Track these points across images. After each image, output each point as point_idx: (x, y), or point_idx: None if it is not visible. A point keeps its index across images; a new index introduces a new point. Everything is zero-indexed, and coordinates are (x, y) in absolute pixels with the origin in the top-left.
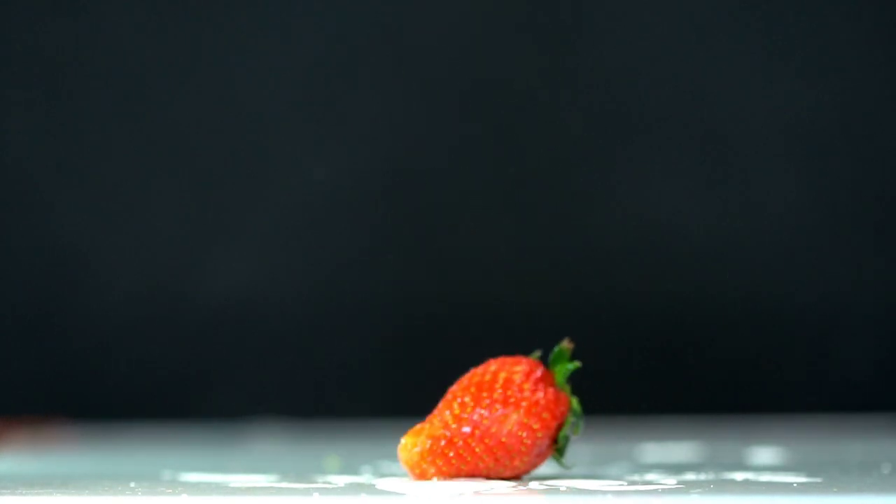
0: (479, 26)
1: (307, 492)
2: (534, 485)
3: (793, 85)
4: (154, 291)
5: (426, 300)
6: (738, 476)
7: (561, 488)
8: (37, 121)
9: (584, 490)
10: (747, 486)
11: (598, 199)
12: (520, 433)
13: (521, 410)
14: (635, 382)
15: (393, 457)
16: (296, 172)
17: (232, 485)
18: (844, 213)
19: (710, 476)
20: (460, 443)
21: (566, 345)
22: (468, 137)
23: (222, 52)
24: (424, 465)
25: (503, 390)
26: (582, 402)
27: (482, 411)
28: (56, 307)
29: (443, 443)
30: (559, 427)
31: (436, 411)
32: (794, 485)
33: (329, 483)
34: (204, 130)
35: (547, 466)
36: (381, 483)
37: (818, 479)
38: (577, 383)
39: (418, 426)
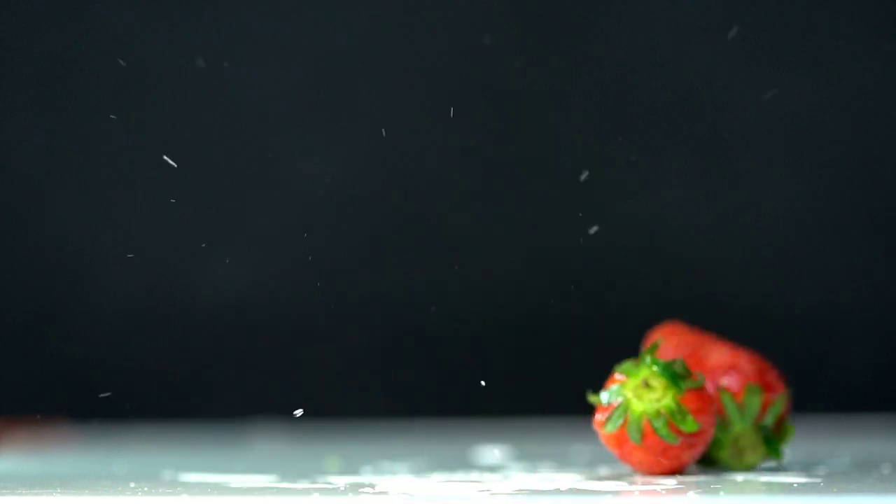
0: (480, 27)
1: (307, 492)
2: (534, 485)
3: (793, 85)
4: (154, 291)
5: (426, 300)
6: (738, 476)
7: (561, 488)
8: (37, 122)
9: (585, 490)
10: (747, 486)
11: (596, 199)
12: None
13: None
14: None
15: (392, 456)
16: (296, 174)
17: (232, 485)
18: (844, 214)
19: (710, 476)
20: None
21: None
22: (468, 138)
23: (222, 54)
24: None
25: None
26: (581, 401)
27: None
28: (56, 307)
29: None
30: None
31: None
32: (794, 485)
33: (329, 483)
34: (204, 132)
35: (542, 466)
36: (381, 483)
37: (818, 479)
38: (578, 383)
39: None
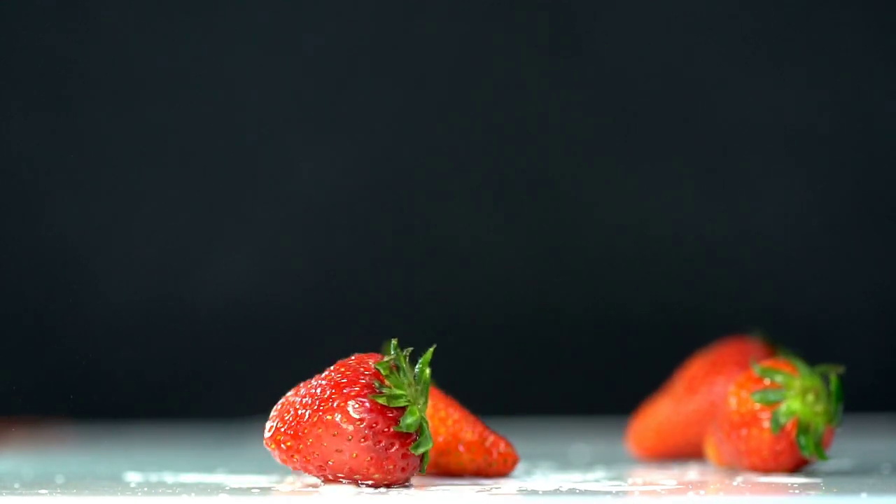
0: (479, 27)
1: (307, 492)
2: (534, 485)
3: (793, 85)
4: (154, 291)
5: (425, 301)
6: (738, 476)
7: (561, 488)
8: (36, 123)
9: (585, 490)
10: (747, 486)
11: (595, 200)
12: None
13: None
14: (636, 384)
15: None
16: (296, 174)
17: (232, 485)
18: (844, 214)
19: (711, 476)
20: None
21: None
22: (467, 140)
23: (221, 55)
24: None
25: None
26: (584, 402)
27: None
28: (56, 307)
29: None
30: None
31: None
32: (794, 485)
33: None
34: (204, 132)
35: (542, 466)
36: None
37: (818, 480)
38: (580, 384)
39: None
